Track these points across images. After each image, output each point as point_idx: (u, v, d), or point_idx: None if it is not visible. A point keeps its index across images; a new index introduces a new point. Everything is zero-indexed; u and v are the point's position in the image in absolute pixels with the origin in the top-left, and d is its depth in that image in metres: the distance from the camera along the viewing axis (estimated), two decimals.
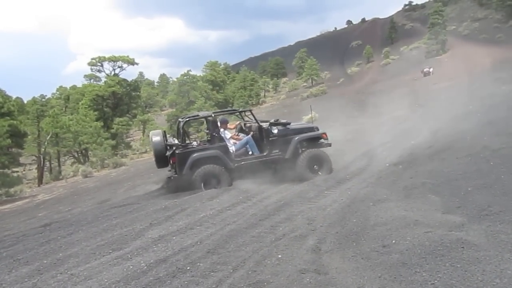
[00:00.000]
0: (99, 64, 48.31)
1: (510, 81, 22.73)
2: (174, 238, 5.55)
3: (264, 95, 76.67)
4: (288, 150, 9.83)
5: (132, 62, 48.14)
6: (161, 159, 10.05)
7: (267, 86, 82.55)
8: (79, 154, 39.06)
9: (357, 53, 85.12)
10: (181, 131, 10.45)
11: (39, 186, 31.49)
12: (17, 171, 36.53)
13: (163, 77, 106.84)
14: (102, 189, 18.31)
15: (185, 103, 55.71)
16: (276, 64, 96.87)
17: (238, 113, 11.65)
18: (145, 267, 4.60)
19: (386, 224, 4.78)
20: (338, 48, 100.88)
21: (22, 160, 38.94)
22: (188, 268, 4.50)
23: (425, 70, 42.79)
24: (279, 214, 6.19)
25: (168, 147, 9.85)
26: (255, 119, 10.37)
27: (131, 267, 4.66)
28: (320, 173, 9.74)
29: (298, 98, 58.34)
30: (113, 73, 49.00)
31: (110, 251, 5.35)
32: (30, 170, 41.70)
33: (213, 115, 10.30)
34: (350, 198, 6.44)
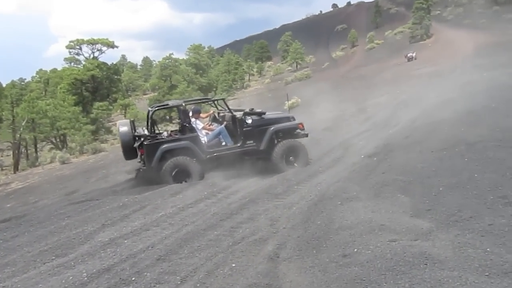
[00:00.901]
0: (78, 47, 46.94)
1: (492, 67, 22.54)
2: (125, 241, 5.14)
3: (249, 79, 75.89)
4: (262, 141, 9.48)
5: (111, 45, 46.86)
6: (129, 151, 9.56)
7: (251, 70, 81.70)
8: (57, 140, 38.08)
9: (342, 37, 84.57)
10: (150, 120, 9.92)
11: (14, 173, 30.62)
12: None
13: (146, 60, 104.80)
14: (75, 178, 17.78)
15: (167, 87, 54.73)
16: (260, 48, 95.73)
17: (211, 102, 11.19)
18: (86, 278, 4.19)
19: (350, 228, 4.43)
20: (323, 32, 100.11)
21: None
22: (133, 279, 4.10)
23: (408, 55, 42.57)
24: (242, 213, 5.81)
25: (137, 138, 9.36)
26: (228, 108, 9.93)
27: (71, 278, 4.24)
28: (296, 165, 9.41)
29: (283, 82, 57.76)
30: (92, 56, 47.70)
31: (53, 257, 4.92)
32: (8, 155, 40.65)
33: (183, 104, 9.85)
34: (318, 195, 6.09)
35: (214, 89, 62.85)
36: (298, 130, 9.86)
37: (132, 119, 11.52)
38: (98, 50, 47.47)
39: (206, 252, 4.59)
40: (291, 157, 9.47)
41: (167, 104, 10.83)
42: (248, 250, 4.45)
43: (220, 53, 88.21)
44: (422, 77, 26.68)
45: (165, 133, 10.08)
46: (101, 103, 44.55)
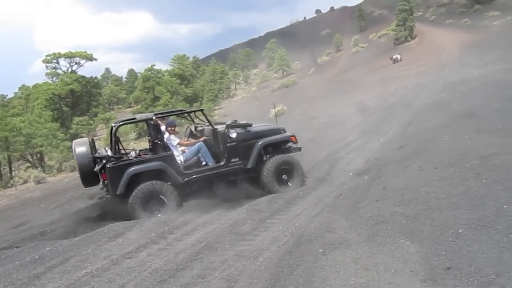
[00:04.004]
0: (55, 61, 45.27)
1: (481, 65, 21.49)
2: None
3: (235, 88, 74.72)
4: (250, 157, 8.01)
5: (90, 58, 45.33)
6: (88, 176, 7.86)
7: (237, 78, 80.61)
8: (34, 158, 36.24)
9: (327, 42, 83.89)
10: (114, 138, 8.20)
11: None
12: None
13: (131, 72, 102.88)
14: (40, 202, 16.19)
15: (150, 99, 53.10)
16: (246, 56, 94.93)
17: (186, 114, 9.70)
18: None
19: None
20: (308, 38, 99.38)
21: None
22: None
23: (394, 57, 42.05)
24: (192, 267, 4.34)
25: (98, 160, 7.75)
26: (208, 121, 8.47)
27: None
28: (290, 184, 8.00)
29: (269, 89, 56.62)
30: (70, 70, 46.02)
31: None
32: None
33: (154, 117, 8.29)
34: (295, 236, 4.68)
35: (200, 99, 61.34)
36: (290, 144, 8.43)
37: (92, 138, 9.96)
38: (76, 63, 45.90)
39: None
40: (284, 176, 8.05)
41: (134, 118, 9.31)
42: None
43: (206, 63, 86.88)
44: (410, 78, 25.55)
45: (132, 153, 8.54)
46: (80, 118, 43.02)
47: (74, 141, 8.66)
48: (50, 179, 28.13)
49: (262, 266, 4.06)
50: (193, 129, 9.52)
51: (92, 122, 44.18)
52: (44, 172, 30.46)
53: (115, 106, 71.11)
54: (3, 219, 13.65)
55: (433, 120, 10.25)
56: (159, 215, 7.22)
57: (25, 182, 29.80)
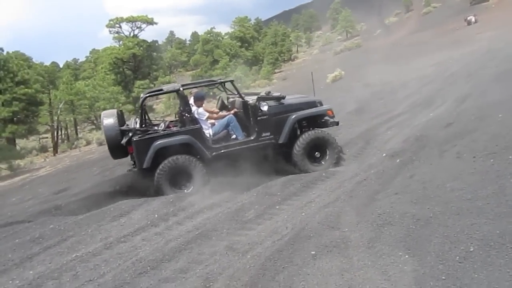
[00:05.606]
0: (117, 25, 46.33)
1: None
2: None
3: (297, 50, 72.85)
4: (282, 132, 7.48)
5: (150, 22, 45.88)
6: (117, 148, 7.62)
7: (299, 40, 78.42)
8: (98, 121, 38.07)
9: (397, 2, 78.60)
10: (141, 110, 7.96)
11: (54, 155, 30.77)
12: (35, 140, 36.07)
13: (194, 35, 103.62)
14: (94, 164, 16.88)
15: (210, 63, 53.35)
16: (309, 17, 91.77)
17: (217, 85, 9.30)
18: None
19: None
20: None
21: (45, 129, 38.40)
22: None
23: (468, 18, 38.13)
24: (178, 258, 4.04)
25: (126, 132, 7.52)
26: (238, 92, 7.93)
27: None
28: (323, 163, 7.44)
29: (331, 52, 54.51)
30: (132, 34, 47.02)
31: None
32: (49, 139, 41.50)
33: (181, 88, 7.94)
34: (295, 229, 4.22)
35: (260, 62, 60.66)
36: (327, 118, 7.75)
37: (120, 109, 9.87)
38: (138, 27, 46.73)
39: None
40: (316, 153, 7.50)
41: (161, 90, 9.05)
42: None
43: (268, 25, 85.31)
44: (482, 43, 23.09)
45: (162, 125, 8.34)
46: (142, 82, 44.18)
47: (102, 112, 8.55)
48: None
49: (246, 265, 3.67)
50: (225, 100, 9.11)
51: (152, 85, 45.30)
52: None
53: (175, 70, 72.25)
54: (55, 182, 14.38)
55: (494, 94, 9.04)
56: (186, 191, 7.01)
57: (88, 143, 31.47)
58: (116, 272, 3.90)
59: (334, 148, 7.53)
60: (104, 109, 35.83)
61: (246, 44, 64.91)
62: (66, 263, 4.25)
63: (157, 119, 21.16)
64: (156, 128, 8.08)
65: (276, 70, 56.93)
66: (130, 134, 7.35)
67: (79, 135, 37.52)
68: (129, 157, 7.99)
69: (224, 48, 54.66)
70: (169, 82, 45.66)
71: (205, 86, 10.03)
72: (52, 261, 4.40)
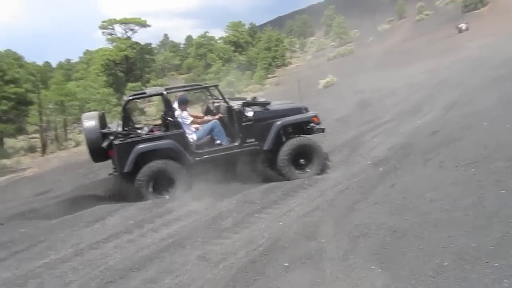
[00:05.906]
0: (110, 27, 46.15)
1: None
2: None
3: (291, 56, 73.03)
4: (267, 138, 7.40)
5: (144, 24, 45.84)
6: (97, 152, 7.44)
7: (293, 46, 78.69)
8: None
9: (389, 9, 79.16)
10: (124, 113, 7.84)
11: (42, 156, 30.42)
12: (24, 140, 35.68)
13: (188, 39, 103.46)
14: (82, 166, 16.59)
15: (202, 67, 53.29)
16: (303, 23, 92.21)
17: (202, 89, 9.16)
18: None
19: None
20: (369, 4, 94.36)
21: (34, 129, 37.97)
22: None
23: (459, 26, 38.43)
24: (148, 268, 3.90)
25: (107, 135, 7.32)
26: (223, 97, 7.83)
27: None
28: (308, 170, 7.35)
29: (324, 58, 54.73)
30: (126, 36, 46.83)
31: None
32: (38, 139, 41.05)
33: (164, 92, 7.81)
34: (272, 239, 4.11)
35: (254, 67, 60.67)
36: (312, 124, 7.68)
37: (102, 111, 9.70)
38: (130, 30, 46.57)
39: None
40: (301, 160, 7.40)
41: (145, 93, 8.90)
42: None
43: (262, 30, 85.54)
44: (473, 50, 23.20)
45: (145, 129, 8.18)
46: (134, 84, 43.96)
47: (83, 114, 8.38)
48: None
49: (217, 276, 3.55)
50: (210, 105, 9.00)
51: (144, 88, 45.06)
52: None
53: (168, 73, 71.98)
54: (39, 183, 14.12)
55: (481, 101, 9.01)
56: (167, 197, 6.87)
57: (77, 145, 31.12)
58: (83, 280, 3.76)
59: (319, 156, 7.45)
60: (95, 110, 35.54)
61: (240, 49, 65.05)
62: (33, 270, 4.10)
63: (148, 122, 20.98)
64: (139, 131, 7.94)
65: (269, 75, 56.97)
66: (112, 138, 7.21)
67: (69, 136, 37.15)
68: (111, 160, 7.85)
69: (218, 52, 54.68)
70: (161, 85, 45.41)
71: (190, 90, 9.96)
72: (19, 267, 4.24)
